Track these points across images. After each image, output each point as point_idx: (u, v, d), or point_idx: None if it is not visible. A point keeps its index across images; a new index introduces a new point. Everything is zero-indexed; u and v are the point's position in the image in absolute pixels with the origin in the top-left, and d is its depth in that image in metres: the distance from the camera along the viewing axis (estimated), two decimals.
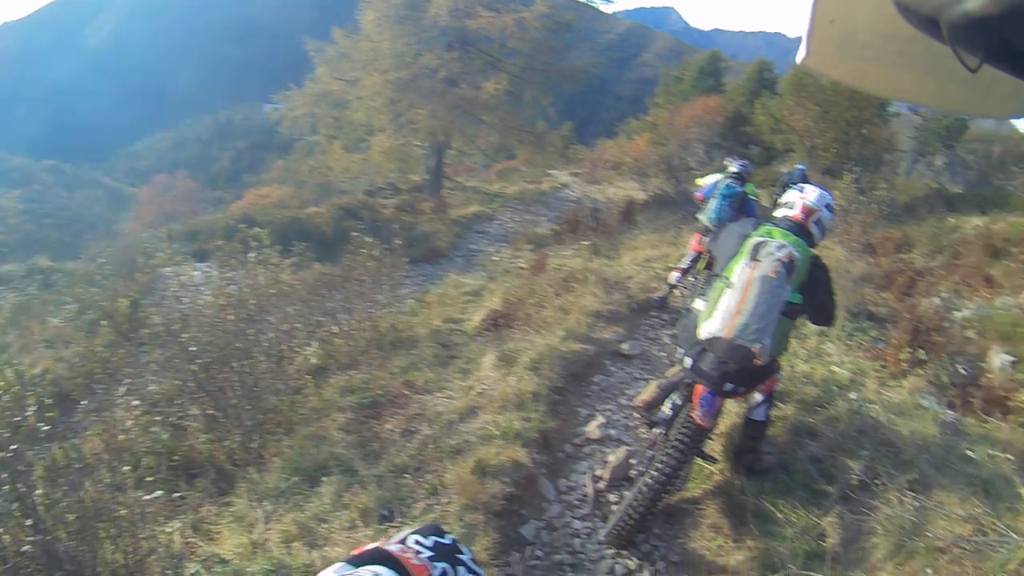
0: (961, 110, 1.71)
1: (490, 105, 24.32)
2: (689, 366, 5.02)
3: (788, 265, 4.80)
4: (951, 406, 8.07)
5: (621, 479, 6.21)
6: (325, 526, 4.99)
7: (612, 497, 6.06)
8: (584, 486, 6.14)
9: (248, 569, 4.48)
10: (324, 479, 5.50)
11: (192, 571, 4.57)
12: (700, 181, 11.12)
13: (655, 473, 4.92)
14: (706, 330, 4.86)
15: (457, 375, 7.72)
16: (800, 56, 1.10)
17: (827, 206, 5.30)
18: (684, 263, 10.50)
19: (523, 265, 14.82)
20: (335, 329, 9.06)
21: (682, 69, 47.89)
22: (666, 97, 43.66)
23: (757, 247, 4.88)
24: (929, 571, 4.71)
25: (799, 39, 1.14)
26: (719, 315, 4.81)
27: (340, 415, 6.81)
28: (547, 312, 9.67)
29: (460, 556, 2.13)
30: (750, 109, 36.16)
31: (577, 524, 5.63)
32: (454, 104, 23.93)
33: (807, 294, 4.98)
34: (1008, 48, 0.74)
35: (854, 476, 5.83)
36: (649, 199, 24.07)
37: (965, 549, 4.85)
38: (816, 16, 1.00)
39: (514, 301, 10.22)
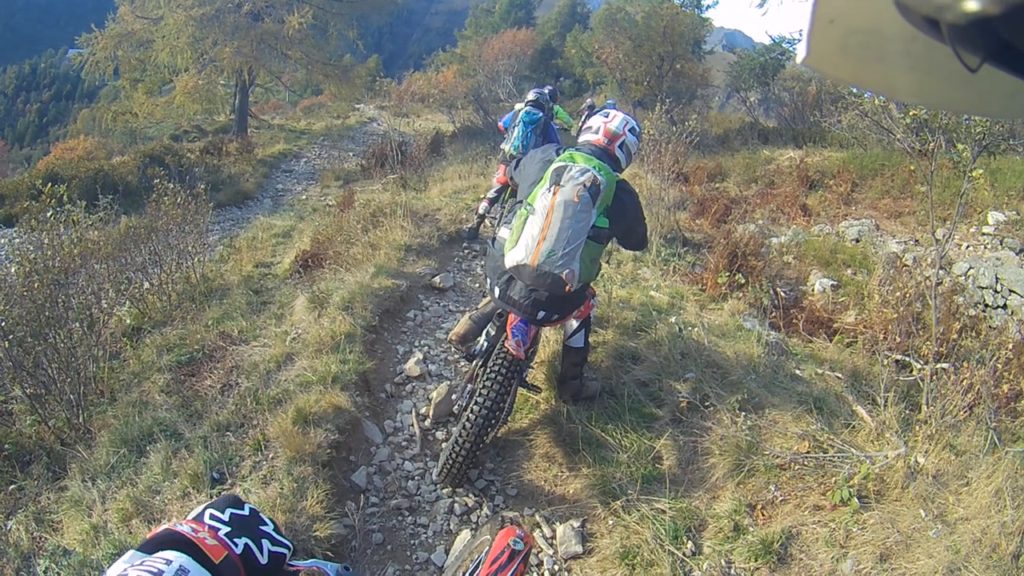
0: (961, 110, 1.91)
1: (295, 39, 23.41)
2: (498, 296, 4.90)
3: (591, 189, 4.70)
4: (774, 327, 8.13)
5: (446, 415, 6.03)
6: (159, 498, 4.76)
7: (439, 435, 5.90)
8: (411, 425, 5.94)
9: (93, 557, 4.28)
10: (151, 447, 5.26)
11: (44, 567, 4.36)
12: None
13: (476, 407, 4.73)
14: (512, 258, 4.74)
15: (271, 321, 7.44)
16: (800, 56, 1.02)
17: (631, 130, 5.20)
18: (491, 193, 10.55)
19: (332, 202, 14.53)
20: (146, 285, 8.56)
21: (493, 1, 47.90)
22: (475, 29, 44.34)
23: (559, 172, 4.77)
24: (772, 488, 4.77)
25: None
26: (523, 242, 4.70)
27: (160, 376, 6.38)
28: (357, 249, 9.30)
29: (263, 528, 2.01)
30: (561, 42, 36.51)
31: (409, 466, 5.49)
32: (258, 39, 23.13)
33: (614, 219, 4.92)
34: (1008, 48, 0.73)
35: (682, 398, 5.80)
36: (457, 131, 23.86)
37: (805, 465, 4.92)
38: (816, 16, 0.95)
39: (323, 240, 9.98)
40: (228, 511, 1.94)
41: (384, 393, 6.33)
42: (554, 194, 4.66)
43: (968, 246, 11.96)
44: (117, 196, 13.05)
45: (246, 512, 1.99)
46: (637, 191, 5.23)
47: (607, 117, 5.20)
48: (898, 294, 7.88)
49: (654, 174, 12.24)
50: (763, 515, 4.66)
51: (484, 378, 4.88)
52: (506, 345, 4.85)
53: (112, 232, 10.40)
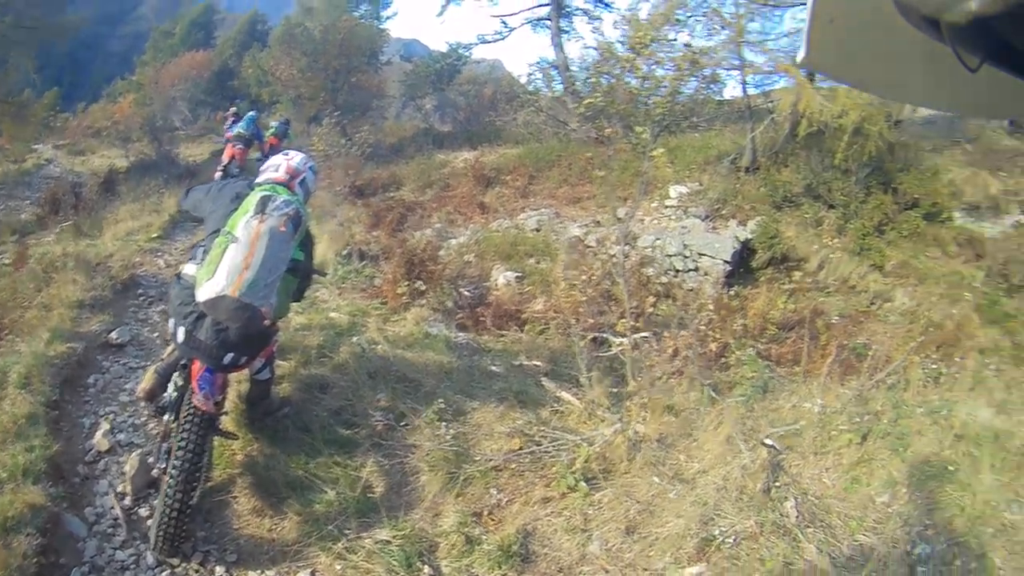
0: (961, 110, 1.96)
1: None
2: (183, 340, 4.50)
3: (295, 220, 4.59)
4: (462, 328, 8.01)
5: (145, 487, 5.33)
6: None
7: (144, 511, 5.16)
8: (111, 508, 5.14)
9: None
10: None
11: None
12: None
13: (176, 468, 4.36)
14: (209, 290, 4.30)
15: None
16: (800, 56, 1.04)
17: (311, 168, 5.20)
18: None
19: (7, 261, 12.62)
20: None
21: (174, 23, 46.01)
22: (154, 54, 41.68)
23: (264, 201, 4.55)
24: (493, 492, 4.65)
25: None
26: (224, 272, 4.30)
27: None
28: (31, 313, 8.22)
29: None
30: (239, 63, 35.41)
31: (121, 555, 4.77)
32: None
33: (306, 253, 5.05)
34: (1008, 48, 0.76)
35: (378, 421, 5.59)
36: (132, 165, 22.31)
37: (522, 462, 4.81)
38: (816, 16, 0.96)
39: None
40: None
41: (78, 477, 5.50)
42: (260, 222, 4.41)
43: (653, 220, 12.46)
44: None
45: None
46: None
47: (288, 155, 5.13)
48: (583, 277, 7.94)
49: (327, 191, 12.10)
50: (492, 521, 4.57)
51: (178, 435, 4.47)
52: (193, 401, 4.46)
53: None
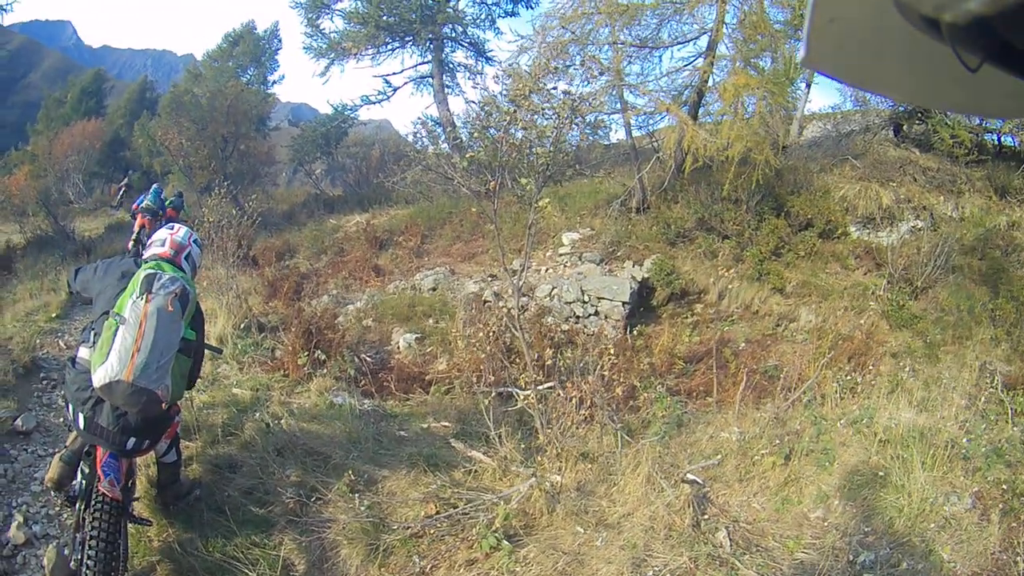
0: (961, 110, 2.08)
1: None
2: (83, 427, 4.40)
3: (183, 298, 4.48)
4: (367, 395, 7.86)
5: None
6: None
7: None
8: None
9: None
10: None
11: None
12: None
13: (91, 560, 4.15)
14: (102, 375, 4.15)
15: None
16: (800, 56, 1.02)
17: (195, 242, 5.17)
18: None
19: None
20: None
21: (65, 91, 44.91)
22: (47, 123, 40.78)
23: (150, 279, 4.42)
24: (416, 559, 4.53)
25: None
26: (115, 355, 4.18)
27: None
28: None
29: None
30: (129, 131, 34.88)
31: None
32: None
33: (197, 330, 4.86)
34: (1008, 48, 0.76)
35: (289, 498, 5.44)
36: (29, 241, 21.84)
37: (439, 527, 4.72)
38: (816, 16, 0.94)
39: None
40: None
41: None
42: (146, 302, 4.30)
43: (547, 269, 12.63)
44: None
45: None
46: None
47: (172, 229, 5.08)
48: (481, 333, 7.92)
49: (221, 263, 11.65)
50: None
51: (90, 525, 4.29)
52: (100, 488, 4.32)
53: None
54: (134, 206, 15.57)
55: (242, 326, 10.14)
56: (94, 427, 4.33)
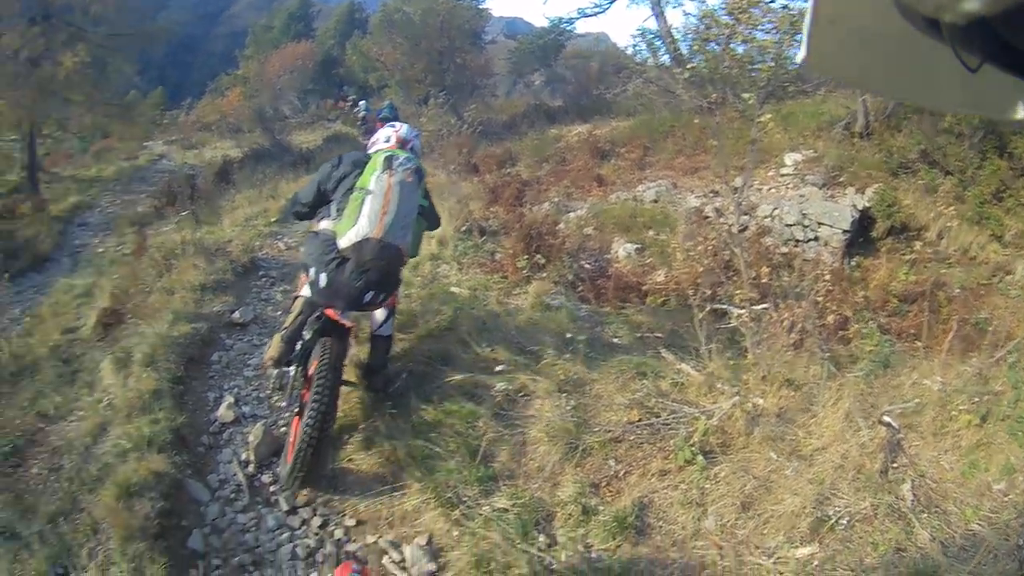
0: (962, 110, 2.20)
1: (73, 81, 20.78)
2: (325, 284, 5.10)
3: (418, 173, 5.30)
4: (584, 300, 7.96)
5: (269, 455, 5.64)
6: None
7: (266, 478, 5.44)
8: (235, 475, 5.49)
9: None
10: None
11: None
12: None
13: (309, 419, 4.76)
14: (353, 236, 5.01)
15: (84, 391, 6.81)
16: (800, 56, 1.02)
17: (416, 136, 5.94)
18: None
19: (127, 251, 13.52)
20: None
21: (272, 17, 46.75)
22: (256, 48, 42.45)
23: (389, 159, 5.22)
24: (612, 463, 4.65)
25: None
26: (366, 219, 5.02)
27: None
28: (154, 297, 8.64)
29: None
30: (341, 51, 35.92)
31: (242, 518, 5.04)
32: (39, 86, 20.35)
33: (428, 202, 5.67)
34: (1008, 48, 0.75)
35: (499, 392, 5.66)
36: (246, 155, 22.80)
37: (640, 434, 4.81)
38: (816, 16, 0.95)
39: (121, 294, 9.24)
40: None
41: (202, 446, 5.80)
42: (389, 176, 5.08)
43: (769, 188, 12.25)
44: None
45: None
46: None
47: (395, 127, 5.80)
48: (700, 247, 7.89)
49: (443, 169, 12.12)
50: (609, 491, 4.56)
51: (315, 381, 4.90)
52: (333, 316, 5.08)
53: None
54: (371, 116, 17.18)
55: (463, 229, 10.34)
56: (336, 284, 5.03)
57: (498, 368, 5.99)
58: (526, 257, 8.52)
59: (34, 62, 20.69)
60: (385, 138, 5.73)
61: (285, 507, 4.96)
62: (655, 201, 12.27)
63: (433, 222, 6.01)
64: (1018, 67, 0.75)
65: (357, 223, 4.99)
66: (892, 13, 0.81)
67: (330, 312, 5.11)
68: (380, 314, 5.74)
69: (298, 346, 5.40)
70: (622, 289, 8.30)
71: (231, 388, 6.64)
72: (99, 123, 25.36)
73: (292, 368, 5.42)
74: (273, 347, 5.78)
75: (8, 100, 19.90)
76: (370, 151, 5.67)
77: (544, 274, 8.42)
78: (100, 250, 15.43)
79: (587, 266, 8.93)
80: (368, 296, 5.11)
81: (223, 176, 19.00)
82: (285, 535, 4.81)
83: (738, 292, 6.46)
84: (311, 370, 5.08)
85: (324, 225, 5.36)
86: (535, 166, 15.63)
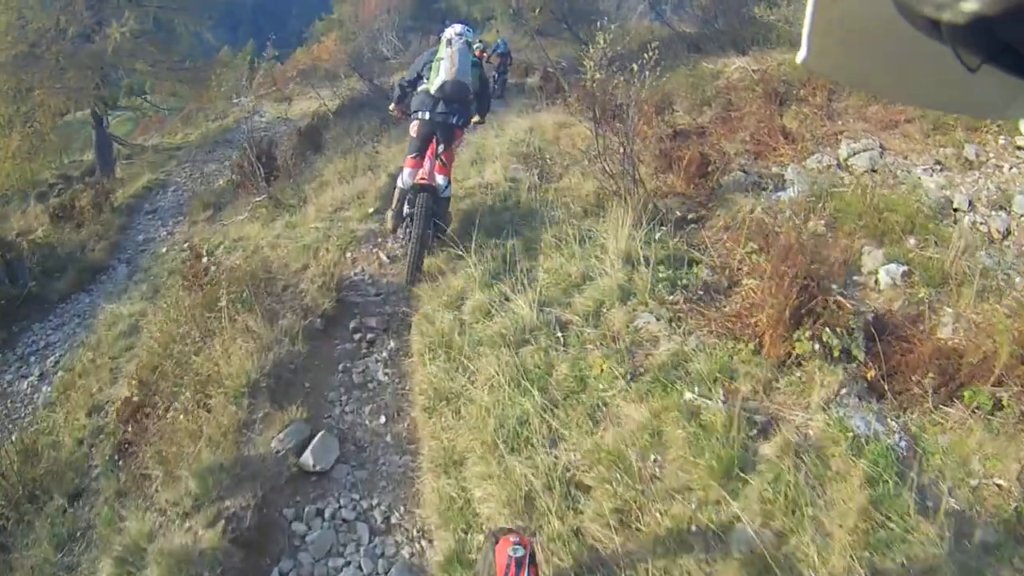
0: (962, 110, 1.87)
1: (129, 50, 19.56)
2: (428, 117, 7.99)
3: (467, 43, 8.12)
4: (875, 394, 4.92)
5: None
6: None
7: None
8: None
9: None
10: None
11: None
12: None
13: (415, 230, 7.68)
14: (439, 82, 7.83)
15: None
16: (800, 56, 0.97)
17: (468, 31, 8.39)
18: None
19: (187, 258, 10.60)
20: None
21: None
22: None
23: (449, 40, 7.96)
24: None
25: None
26: (443, 71, 7.81)
27: None
28: (181, 416, 5.89)
29: None
30: None
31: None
32: (88, 63, 19.21)
33: (480, 69, 8.46)
34: (1008, 48, 0.73)
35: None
36: (342, 105, 21.43)
37: None
38: (816, 16, 0.91)
39: (148, 377, 6.84)
40: None
41: None
42: (451, 48, 7.86)
43: (1010, 167, 8.26)
44: None
45: None
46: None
47: (453, 27, 8.23)
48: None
49: (579, 116, 9.97)
50: None
51: (416, 211, 7.71)
52: (421, 174, 7.88)
53: None
54: (488, 53, 19.90)
55: (644, 223, 7.17)
56: (435, 115, 7.89)
57: None
58: (800, 329, 5.02)
59: (85, 38, 19.77)
60: (448, 37, 7.99)
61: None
62: (873, 170, 8.71)
63: (484, 105, 8.57)
64: (1018, 67, 0.73)
65: (439, 75, 7.79)
66: (892, 13, 0.78)
67: (432, 147, 7.98)
68: (442, 182, 8.02)
69: (405, 209, 8.07)
70: (914, 364, 4.83)
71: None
72: (168, 88, 24.56)
73: (406, 210, 8.08)
74: (389, 221, 8.59)
75: (48, 88, 18.65)
76: (441, 40, 8.12)
77: (809, 338, 4.97)
78: (163, 250, 13.38)
79: (861, 313, 5.25)
80: (452, 119, 7.94)
81: (310, 139, 17.16)
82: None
83: None
84: (415, 215, 7.66)
85: (419, 87, 8.16)
86: (695, 110, 12.27)
